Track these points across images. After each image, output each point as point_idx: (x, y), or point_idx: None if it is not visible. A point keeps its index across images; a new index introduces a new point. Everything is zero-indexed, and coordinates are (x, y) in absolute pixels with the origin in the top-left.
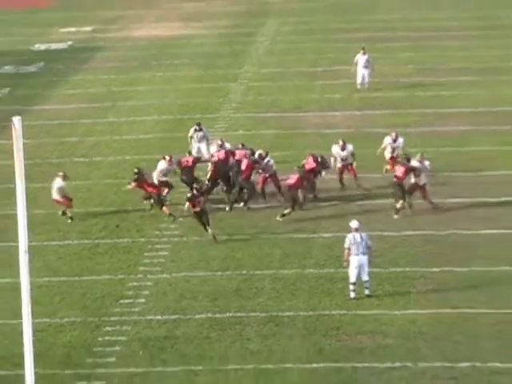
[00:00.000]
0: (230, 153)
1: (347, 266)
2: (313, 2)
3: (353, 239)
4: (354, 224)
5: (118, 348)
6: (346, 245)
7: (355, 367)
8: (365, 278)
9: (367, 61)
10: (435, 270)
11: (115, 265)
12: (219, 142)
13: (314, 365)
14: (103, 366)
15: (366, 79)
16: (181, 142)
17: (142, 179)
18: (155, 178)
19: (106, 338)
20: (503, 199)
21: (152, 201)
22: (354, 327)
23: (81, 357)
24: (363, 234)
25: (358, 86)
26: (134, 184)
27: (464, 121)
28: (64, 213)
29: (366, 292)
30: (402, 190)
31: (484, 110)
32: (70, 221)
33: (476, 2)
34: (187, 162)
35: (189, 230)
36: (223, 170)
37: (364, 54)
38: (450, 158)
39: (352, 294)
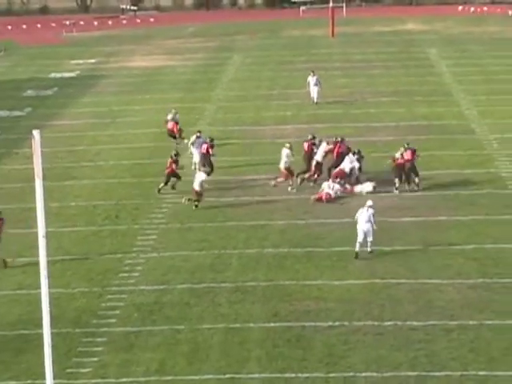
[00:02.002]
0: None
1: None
2: (269, 40)
3: (361, 211)
4: (369, 202)
5: (117, 312)
6: (357, 215)
7: (303, 326)
8: (369, 239)
9: (317, 80)
10: (366, 248)
11: (115, 246)
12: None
13: (272, 324)
14: (106, 325)
15: (316, 95)
16: (165, 150)
17: None
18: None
19: (108, 303)
20: (418, 194)
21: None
22: (302, 294)
23: (88, 319)
24: (370, 209)
25: (315, 101)
26: None
27: (388, 132)
28: (190, 199)
29: (369, 249)
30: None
31: (404, 124)
32: (194, 208)
33: (397, 41)
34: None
35: (173, 219)
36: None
37: (314, 75)
38: (377, 162)
39: (357, 249)
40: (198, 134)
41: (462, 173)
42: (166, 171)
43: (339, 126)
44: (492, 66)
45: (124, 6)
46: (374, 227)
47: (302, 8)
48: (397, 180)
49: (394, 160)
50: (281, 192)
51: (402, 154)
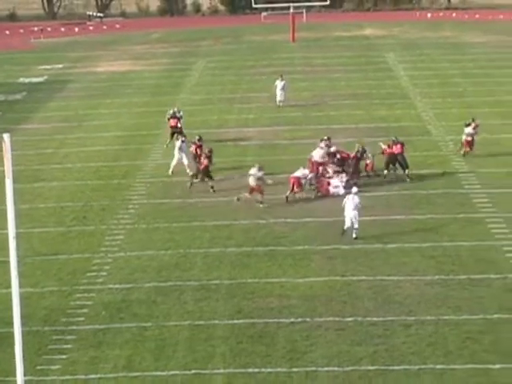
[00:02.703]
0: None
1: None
2: (231, 45)
3: (347, 199)
4: (354, 189)
5: (86, 310)
6: (344, 202)
7: (267, 322)
8: (355, 225)
9: (284, 84)
10: (327, 247)
11: (83, 246)
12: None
13: (235, 321)
14: (75, 323)
15: (282, 98)
16: (131, 152)
17: None
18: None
19: (77, 302)
20: (376, 194)
21: None
22: (265, 292)
23: (57, 317)
24: (355, 197)
25: (279, 104)
26: None
27: (348, 134)
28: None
29: (354, 235)
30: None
31: (363, 126)
32: (261, 205)
33: (356, 46)
34: None
35: (139, 219)
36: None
37: (282, 80)
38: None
39: (344, 229)
40: (183, 139)
41: (418, 173)
42: (201, 167)
43: (300, 128)
44: (447, 69)
45: (90, 13)
46: (360, 208)
47: (264, 14)
48: (385, 171)
49: (383, 152)
50: (244, 192)
51: (389, 145)
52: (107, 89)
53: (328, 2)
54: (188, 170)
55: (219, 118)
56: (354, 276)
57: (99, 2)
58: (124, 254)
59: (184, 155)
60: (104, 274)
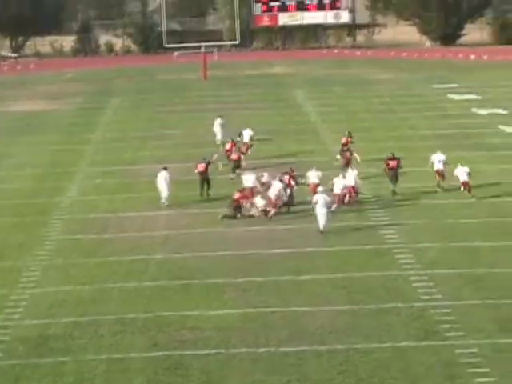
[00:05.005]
0: None
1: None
2: (144, 84)
3: (317, 197)
4: (320, 188)
5: (2, 346)
6: (314, 200)
7: (182, 354)
8: (324, 219)
9: (222, 124)
10: (240, 280)
11: (0, 283)
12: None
13: (152, 353)
14: None
15: (220, 137)
16: (47, 189)
17: None
18: None
19: None
20: (290, 226)
21: None
22: (180, 324)
23: None
24: (324, 195)
25: (218, 142)
26: None
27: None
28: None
29: (321, 228)
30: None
31: (274, 162)
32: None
33: (265, 83)
34: None
35: (56, 255)
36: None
37: (221, 119)
38: None
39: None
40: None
41: None
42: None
43: (214, 164)
44: (354, 105)
45: (5, 53)
46: (332, 209)
47: (176, 53)
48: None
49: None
50: (158, 227)
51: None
52: (22, 128)
53: (238, 42)
54: (163, 200)
55: (133, 155)
56: (267, 307)
57: (13, 44)
58: (41, 290)
59: (165, 185)
60: (21, 310)
